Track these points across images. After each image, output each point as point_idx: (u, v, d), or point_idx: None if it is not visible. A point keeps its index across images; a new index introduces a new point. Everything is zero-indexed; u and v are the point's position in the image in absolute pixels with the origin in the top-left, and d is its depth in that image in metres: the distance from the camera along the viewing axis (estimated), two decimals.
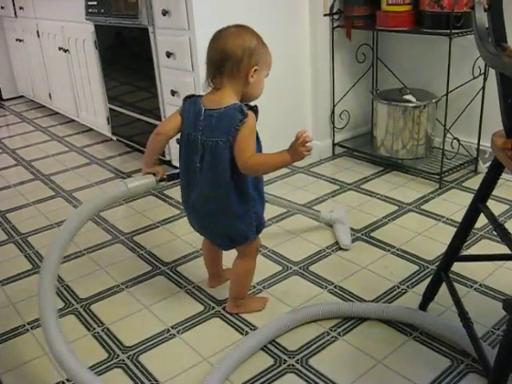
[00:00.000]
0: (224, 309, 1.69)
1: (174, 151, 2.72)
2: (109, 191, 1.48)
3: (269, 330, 1.53)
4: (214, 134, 1.41)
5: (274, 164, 1.42)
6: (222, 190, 1.45)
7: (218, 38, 1.43)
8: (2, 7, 4.47)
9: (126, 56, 2.89)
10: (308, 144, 1.35)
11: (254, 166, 1.40)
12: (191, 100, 1.49)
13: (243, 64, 1.40)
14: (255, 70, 1.42)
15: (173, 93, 2.54)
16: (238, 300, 1.67)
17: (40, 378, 1.48)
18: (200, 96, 1.49)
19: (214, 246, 1.69)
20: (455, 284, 1.52)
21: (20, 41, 4.33)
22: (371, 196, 2.40)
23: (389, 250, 1.97)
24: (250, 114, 1.40)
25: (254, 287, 1.79)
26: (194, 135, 1.45)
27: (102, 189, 2.72)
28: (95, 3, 2.89)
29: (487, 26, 1.14)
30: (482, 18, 1.17)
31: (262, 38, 1.46)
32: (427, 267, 1.84)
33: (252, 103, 1.47)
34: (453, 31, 2.20)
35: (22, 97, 4.87)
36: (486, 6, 1.13)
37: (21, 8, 4.12)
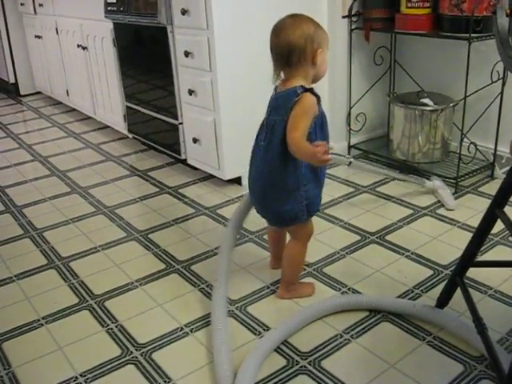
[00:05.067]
0: (237, 308, 1.70)
1: (189, 150, 2.73)
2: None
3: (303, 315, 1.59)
4: (274, 114, 1.54)
5: (304, 156, 1.49)
6: (274, 166, 1.55)
7: (279, 32, 1.52)
8: (22, 4, 4.51)
9: (144, 54, 2.90)
10: (326, 156, 1.42)
11: (294, 147, 1.49)
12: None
13: (308, 51, 1.50)
14: (320, 52, 1.52)
15: (190, 92, 2.55)
16: (290, 285, 1.73)
17: (53, 372, 1.48)
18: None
19: (277, 230, 1.79)
20: (470, 289, 1.52)
21: (39, 37, 4.37)
22: (386, 199, 2.39)
23: (403, 254, 1.96)
24: (305, 94, 1.49)
25: (268, 287, 1.80)
26: (265, 117, 1.58)
27: (117, 186, 2.74)
28: (114, 1, 2.91)
29: (509, 30, 1.14)
30: (503, 22, 1.17)
31: (314, 20, 1.55)
32: (442, 272, 1.83)
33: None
34: (472, 35, 2.19)
35: (39, 93, 4.91)
36: (508, 11, 1.13)
37: (40, 5, 4.15)
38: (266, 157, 1.57)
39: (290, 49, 1.49)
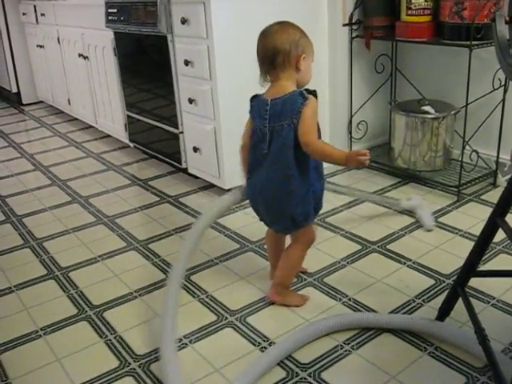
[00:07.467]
0: (237, 319, 1.68)
1: (190, 159, 2.72)
2: (225, 197, 1.69)
3: (297, 336, 1.54)
4: (280, 119, 1.54)
5: (330, 158, 1.53)
6: (286, 170, 1.56)
7: (265, 36, 1.58)
8: (24, 14, 4.53)
9: (145, 63, 2.90)
10: (365, 158, 1.47)
11: (315, 149, 1.53)
12: (256, 99, 1.63)
13: (292, 55, 1.55)
14: (303, 58, 1.57)
15: (190, 101, 2.55)
16: (280, 288, 1.73)
17: None
18: (262, 94, 1.63)
19: (277, 239, 1.80)
20: (472, 299, 1.50)
21: (41, 47, 4.38)
22: (388, 208, 2.37)
23: (405, 263, 1.94)
24: (311, 97, 1.54)
25: (269, 298, 1.78)
26: (261, 125, 1.58)
27: (118, 195, 2.73)
28: (115, 11, 2.92)
29: (508, 38, 1.13)
30: (503, 30, 1.15)
31: (301, 28, 1.61)
32: (443, 281, 1.82)
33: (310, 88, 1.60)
34: (473, 43, 2.18)
35: (41, 102, 4.92)
36: (508, 19, 1.12)
37: (42, 14, 4.17)
38: (275, 163, 1.57)
39: (275, 51, 1.54)
